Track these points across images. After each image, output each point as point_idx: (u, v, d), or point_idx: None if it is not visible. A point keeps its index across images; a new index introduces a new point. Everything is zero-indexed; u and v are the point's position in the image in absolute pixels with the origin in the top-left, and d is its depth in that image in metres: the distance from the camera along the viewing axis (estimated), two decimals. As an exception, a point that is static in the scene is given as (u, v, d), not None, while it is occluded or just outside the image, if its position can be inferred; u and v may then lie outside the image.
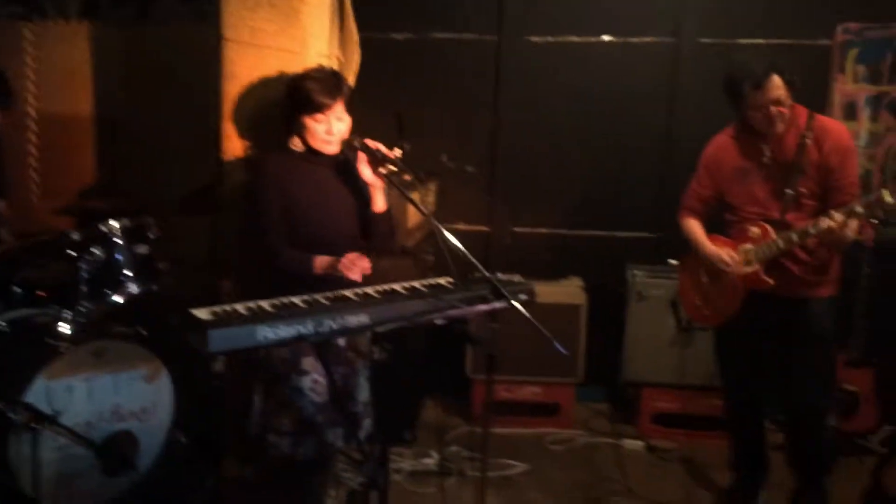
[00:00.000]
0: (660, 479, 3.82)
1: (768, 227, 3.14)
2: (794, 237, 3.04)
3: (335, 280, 2.70)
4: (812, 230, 2.95)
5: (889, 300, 4.08)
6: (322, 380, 2.78)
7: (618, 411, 4.56)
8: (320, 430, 2.79)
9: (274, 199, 2.85)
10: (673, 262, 4.20)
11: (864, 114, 4.32)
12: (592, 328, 4.30)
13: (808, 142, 3.08)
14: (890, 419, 4.02)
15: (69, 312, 3.05)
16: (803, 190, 3.11)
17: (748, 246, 3.19)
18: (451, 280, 2.72)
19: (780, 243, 3.08)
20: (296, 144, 2.90)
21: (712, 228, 3.41)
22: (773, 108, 3.03)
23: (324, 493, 2.99)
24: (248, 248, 3.20)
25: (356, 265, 2.73)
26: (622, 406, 4.56)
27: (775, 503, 3.50)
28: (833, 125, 3.16)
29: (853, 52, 4.33)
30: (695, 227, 3.43)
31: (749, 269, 3.17)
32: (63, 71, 4.25)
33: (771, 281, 3.13)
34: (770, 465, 3.52)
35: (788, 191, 3.11)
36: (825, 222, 2.88)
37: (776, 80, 2.99)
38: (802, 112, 3.14)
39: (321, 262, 2.80)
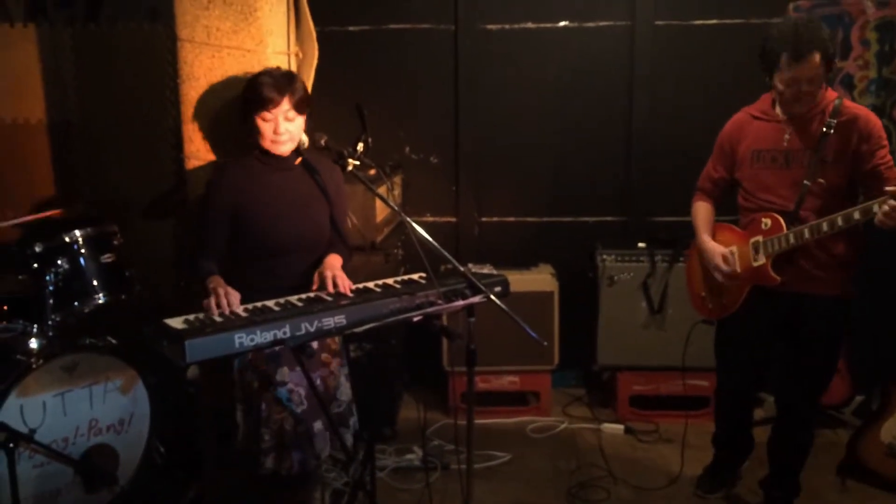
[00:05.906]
0: (642, 462, 3.85)
1: (781, 219, 2.97)
2: (807, 233, 2.87)
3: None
4: (856, 216, 2.72)
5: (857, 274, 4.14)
6: (299, 389, 2.70)
7: (594, 396, 4.59)
8: (305, 441, 2.72)
9: (218, 216, 2.77)
10: (642, 245, 4.25)
11: (820, 90, 4.36)
12: (565, 314, 4.30)
13: (832, 131, 2.90)
14: (860, 390, 4.10)
15: (37, 327, 2.98)
16: (822, 181, 2.93)
17: (758, 238, 3.03)
18: (424, 275, 2.70)
19: (791, 238, 2.92)
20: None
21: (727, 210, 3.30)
22: (805, 87, 2.83)
23: (310, 502, 2.94)
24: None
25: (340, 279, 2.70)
26: (598, 390, 4.59)
27: (756, 475, 3.51)
28: (861, 112, 2.93)
29: (805, 30, 4.36)
30: (701, 213, 3.27)
31: (757, 264, 3.03)
32: (12, 77, 4.14)
33: (778, 278, 2.98)
34: (754, 443, 3.54)
35: (806, 182, 2.94)
36: (888, 205, 2.63)
37: (817, 57, 2.78)
38: (831, 97, 2.94)
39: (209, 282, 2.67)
